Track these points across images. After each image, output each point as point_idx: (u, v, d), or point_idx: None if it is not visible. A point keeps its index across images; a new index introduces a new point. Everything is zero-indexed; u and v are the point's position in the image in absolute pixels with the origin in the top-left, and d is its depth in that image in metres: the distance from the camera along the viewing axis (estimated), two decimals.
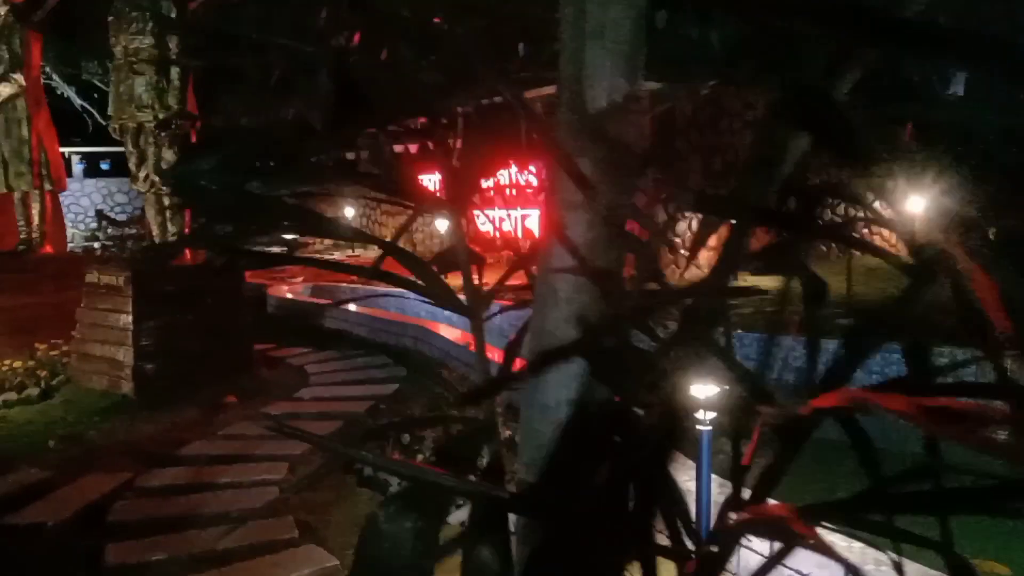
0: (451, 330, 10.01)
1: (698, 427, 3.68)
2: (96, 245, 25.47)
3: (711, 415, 3.66)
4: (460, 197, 1.30)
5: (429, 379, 8.55)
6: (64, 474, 5.96)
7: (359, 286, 15.01)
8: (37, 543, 4.90)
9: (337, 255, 21.78)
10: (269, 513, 5.10)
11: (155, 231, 8.89)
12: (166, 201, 8.74)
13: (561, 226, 0.95)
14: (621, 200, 0.95)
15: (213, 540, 4.63)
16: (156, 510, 5.18)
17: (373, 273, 1.21)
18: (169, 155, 8.55)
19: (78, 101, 27.47)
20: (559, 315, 0.99)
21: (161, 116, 8.39)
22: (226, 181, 1.21)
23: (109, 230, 28.13)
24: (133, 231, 27.61)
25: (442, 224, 15.27)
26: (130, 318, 8.21)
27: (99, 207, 29.65)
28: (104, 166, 29.58)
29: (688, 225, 14.25)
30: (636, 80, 0.96)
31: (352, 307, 12.35)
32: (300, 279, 16.26)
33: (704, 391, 3.64)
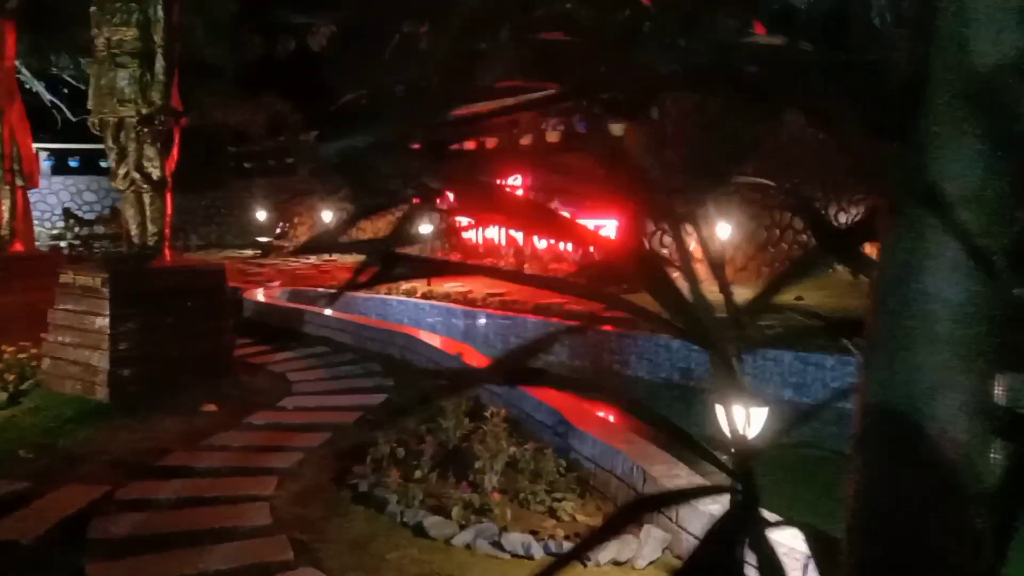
0: (438, 339, 9.79)
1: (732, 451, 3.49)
2: (63, 244, 24.85)
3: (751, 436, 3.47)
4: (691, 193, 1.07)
5: (419, 388, 8.30)
6: (38, 486, 5.61)
7: (337, 291, 14.71)
8: (10, 562, 4.58)
9: (312, 259, 21.43)
10: (261, 532, 4.82)
11: (133, 231, 8.52)
12: (146, 200, 8.39)
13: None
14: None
15: (203, 561, 4.35)
16: (139, 526, 4.87)
17: (610, 303, 0.98)
18: (151, 152, 8.21)
19: (47, 96, 26.79)
20: (936, 356, 0.77)
21: (144, 111, 8.04)
22: (392, 161, 0.98)
23: (77, 229, 27.47)
24: (101, 230, 26.99)
25: (425, 227, 15.02)
26: (107, 321, 7.85)
27: (67, 205, 28.94)
28: (73, 163, 28.90)
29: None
30: None
31: (334, 312, 12.05)
32: (277, 283, 15.91)
33: (742, 409, 3.45)
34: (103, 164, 29.85)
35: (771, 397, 8.72)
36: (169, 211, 8.57)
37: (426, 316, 12.73)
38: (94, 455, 6.43)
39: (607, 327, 10.42)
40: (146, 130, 8.11)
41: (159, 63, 8.06)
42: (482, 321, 11.87)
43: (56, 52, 24.40)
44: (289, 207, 26.23)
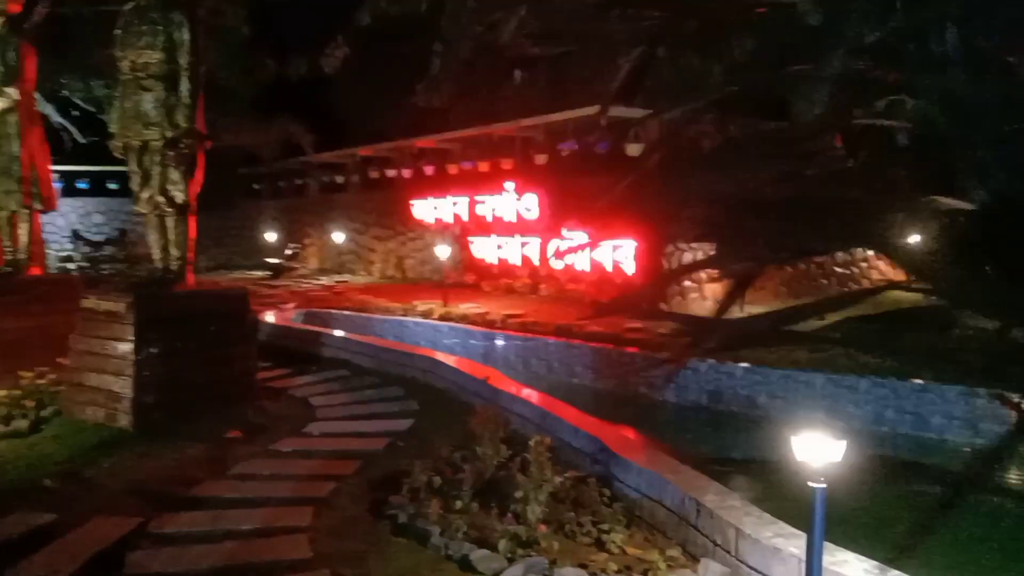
0: (462, 362, 9.65)
1: (810, 484, 3.36)
2: (71, 266, 24.81)
3: (827, 469, 3.34)
4: None
5: (445, 413, 8.17)
6: (65, 517, 5.48)
7: (353, 313, 14.62)
8: None
9: (324, 280, 21.35)
10: (302, 566, 4.67)
11: (156, 255, 8.41)
12: (170, 223, 8.29)
13: None
14: None
15: None
16: (177, 561, 4.73)
17: None
18: (175, 176, 8.12)
19: (56, 118, 26.86)
20: None
21: (169, 135, 7.97)
22: None
23: (85, 250, 27.47)
24: (109, 252, 26.96)
25: (443, 251, 14.95)
26: (131, 347, 7.73)
27: (75, 227, 28.97)
28: (81, 185, 28.95)
29: (694, 256, 14.05)
30: None
31: (351, 335, 11.93)
32: (292, 305, 15.79)
33: (818, 444, 3.33)
34: (111, 186, 30.02)
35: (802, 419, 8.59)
36: (193, 235, 8.48)
37: (444, 338, 12.61)
38: (121, 485, 6.29)
39: (633, 349, 10.31)
40: (171, 153, 8.02)
41: (184, 85, 7.99)
42: (502, 343, 11.73)
43: (65, 74, 24.48)
44: (300, 228, 26.18)
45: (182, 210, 8.28)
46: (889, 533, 5.25)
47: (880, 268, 17.45)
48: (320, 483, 6.18)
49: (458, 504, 5.31)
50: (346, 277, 21.94)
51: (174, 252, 8.38)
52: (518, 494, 5.31)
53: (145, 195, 8.26)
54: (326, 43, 21.92)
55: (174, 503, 5.77)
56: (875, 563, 3.76)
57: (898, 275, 16.85)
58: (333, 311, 14.93)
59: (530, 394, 7.60)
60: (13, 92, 10.20)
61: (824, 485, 3.34)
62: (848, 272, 16.83)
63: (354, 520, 5.50)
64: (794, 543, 4.02)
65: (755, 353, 9.69)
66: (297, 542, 5.04)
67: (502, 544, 4.75)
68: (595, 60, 19.76)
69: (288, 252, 24.86)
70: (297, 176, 26.10)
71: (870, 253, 17.20)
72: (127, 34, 8.04)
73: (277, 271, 22.95)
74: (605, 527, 5.01)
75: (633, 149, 13.57)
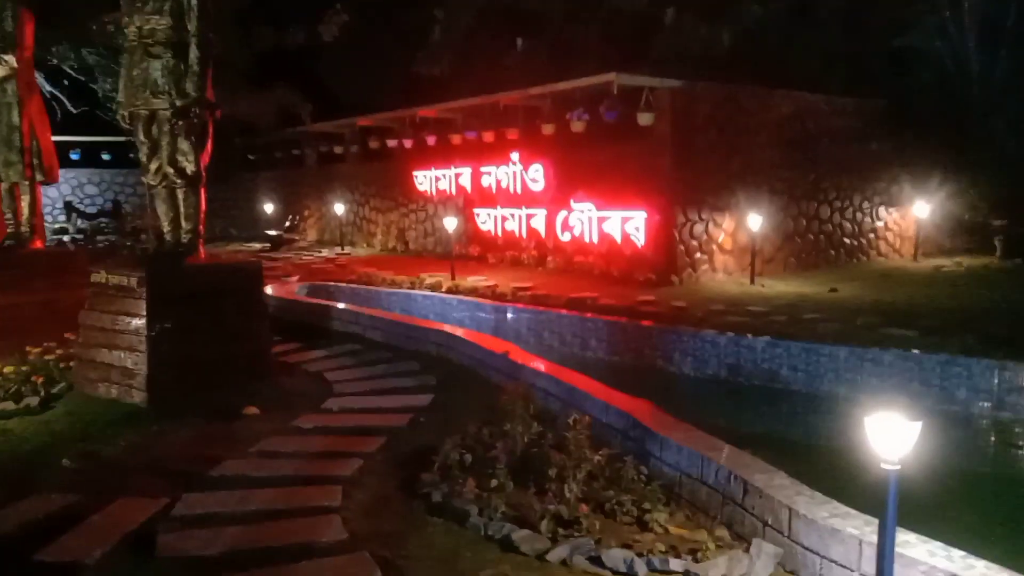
0: (478, 335, 9.51)
1: (884, 467, 3.23)
2: (66, 238, 24.51)
3: (902, 452, 3.21)
4: None
5: (464, 389, 8.05)
6: (90, 498, 5.34)
7: (358, 286, 14.44)
8: None
9: (325, 252, 21.12)
10: (340, 548, 4.56)
11: (166, 228, 8.21)
12: (180, 195, 8.08)
13: None
14: None
15: None
16: (209, 544, 4.60)
17: None
18: (185, 146, 7.90)
19: (47, 88, 26.38)
20: None
21: (178, 103, 7.73)
22: None
23: (79, 222, 27.13)
24: (103, 224, 26.63)
25: (450, 223, 14.74)
26: (143, 322, 7.57)
27: (68, 199, 28.60)
28: (73, 156, 28.52)
29: (705, 228, 13.89)
30: None
31: (362, 308, 11.76)
32: (295, 278, 15.59)
33: (892, 426, 3.20)
34: (104, 157, 29.58)
35: (824, 394, 8.51)
36: (203, 207, 8.28)
37: (453, 311, 12.45)
38: (142, 463, 6.15)
39: (648, 322, 10.17)
40: (181, 123, 7.79)
41: (193, 53, 7.73)
42: (513, 316, 11.59)
43: (56, 43, 23.98)
44: (297, 199, 25.87)
45: (192, 181, 8.06)
46: (940, 509, 5.16)
47: (888, 240, 17.34)
48: (346, 460, 6.04)
49: (493, 483, 5.19)
50: (347, 249, 21.70)
51: (185, 225, 8.18)
52: (551, 472, 5.20)
53: (154, 166, 8.04)
54: (324, 11, 21.47)
55: (198, 482, 5.64)
56: (939, 544, 3.66)
57: (905, 247, 16.81)
58: (339, 284, 14.74)
59: (554, 369, 7.47)
60: (11, 59, 9.94)
61: (898, 467, 3.21)
62: (856, 244, 16.70)
63: (386, 499, 5.37)
64: (851, 523, 3.92)
65: (773, 325, 9.60)
66: (331, 522, 4.91)
67: (544, 524, 4.64)
68: (600, 27, 19.46)
69: (287, 224, 24.57)
70: (294, 146, 25.72)
71: (879, 224, 17.08)
72: None
73: (276, 243, 22.70)
74: (646, 506, 4.90)
75: (644, 118, 13.34)
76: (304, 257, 20.28)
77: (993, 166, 15.31)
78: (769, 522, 4.30)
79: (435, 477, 5.44)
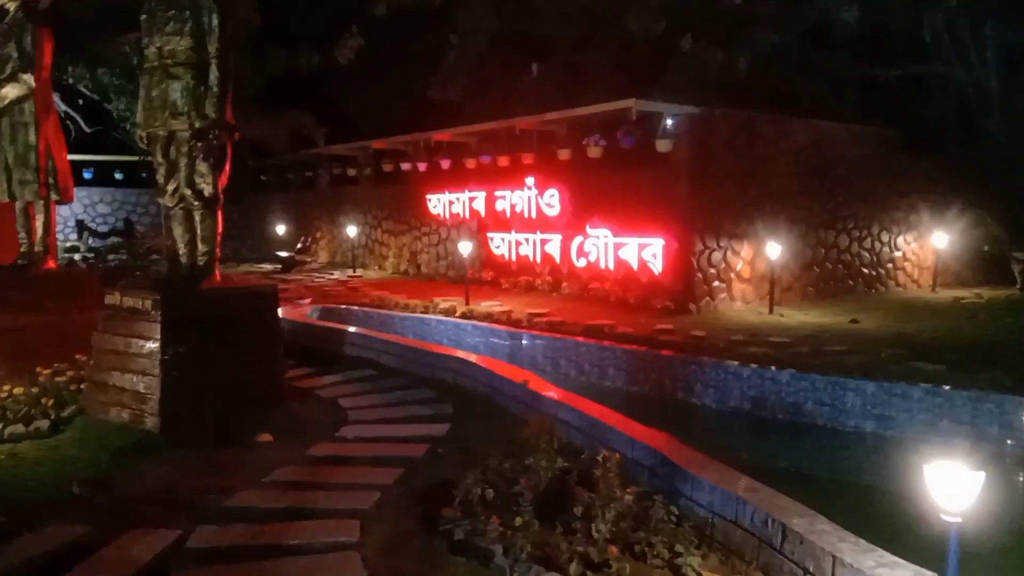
0: (495, 363, 9.34)
1: (944, 519, 3.05)
2: (77, 257, 24.48)
3: (964, 505, 3.03)
4: None
5: (482, 418, 7.88)
6: (101, 529, 5.17)
7: (371, 309, 14.31)
8: None
9: (336, 275, 21.02)
10: None
11: (182, 250, 8.09)
12: (197, 217, 7.98)
13: None
14: None
15: None
16: None
17: None
18: (203, 168, 7.80)
19: (62, 107, 26.51)
20: None
21: (198, 125, 7.64)
22: None
23: (91, 242, 27.15)
24: (115, 243, 26.65)
25: (465, 247, 14.62)
26: (157, 345, 7.42)
27: (80, 217, 28.65)
28: (86, 175, 28.60)
29: (723, 255, 13.73)
30: None
31: (376, 333, 11.61)
32: (308, 300, 15.47)
33: (953, 476, 3.02)
34: (117, 176, 29.66)
35: (853, 430, 8.30)
36: (220, 229, 8.17)
37: (467, 337, 12.29)
38: (153, 493, 5.99)
39: (669, 352, 9.99)
40: (200, 144, 7.70)
41: (213, 74, 7.65)
42: (529, 343, 11.42)
43: (72, 63, 24.11)
44: (309, 221, 25.83)
45: (210, 203, 7.96)
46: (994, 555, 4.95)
47: (906, 270, 17.14)
48: (363, 493, 5.87)
49: (518, 520, 4.99)
50: (359, 272, 21.61)
51: (201, 247, 8.06)
52: (577, 510, 5.02)
53: (171, 187, 7.95)
54: (338, 34, 21.51)
55: (211, 514, 5.47)
56: None
57: (923, 277, 16.58)
58: (351, 307, 14.61)
59: (576, 400, 7.28)
60: (29, 79, 9.87)
61: (960, 519, 3.03)
62: (874, 274, 16.51)
63: (406, 535, 5.19)
64: (899, 574, 3.72)
65: (798, 357, 9.41)
66: (349, 560, 4.73)
67: (572, 567, 4.45)
68: (614, 53, 19.44)
69: (299, 245, 24.50)
70: (307, 168, 25.72)
71: (897, 254, 16.90)
72: (153, 19, 7.71)
73: (287, 265, 22.60)
74: (678, 549, 4.70)
75: (663, 144, 13.23)
76: (316, 279, 20.17)
77: (1013, 197, 15.14)
78: (810, 569, 4.10)
79: (456, 513, 5.25)
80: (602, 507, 4.88)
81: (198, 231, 8.04)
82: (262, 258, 25.53)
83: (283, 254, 23.24)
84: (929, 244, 17.16)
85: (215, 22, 7.61)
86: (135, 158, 27.25)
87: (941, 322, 12.47)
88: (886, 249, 16.69)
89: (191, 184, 7.84)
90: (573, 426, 6.88)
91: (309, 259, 24.27)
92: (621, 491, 5.02)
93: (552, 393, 7.59)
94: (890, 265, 16.82)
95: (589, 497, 5.09)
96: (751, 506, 4.63)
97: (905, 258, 17.07)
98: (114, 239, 27.51)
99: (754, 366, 9.04)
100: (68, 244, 26.18)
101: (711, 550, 4.87)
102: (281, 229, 26.65)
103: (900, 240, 16.95)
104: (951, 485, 3.00)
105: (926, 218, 17.10)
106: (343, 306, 14.77)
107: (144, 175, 29.44)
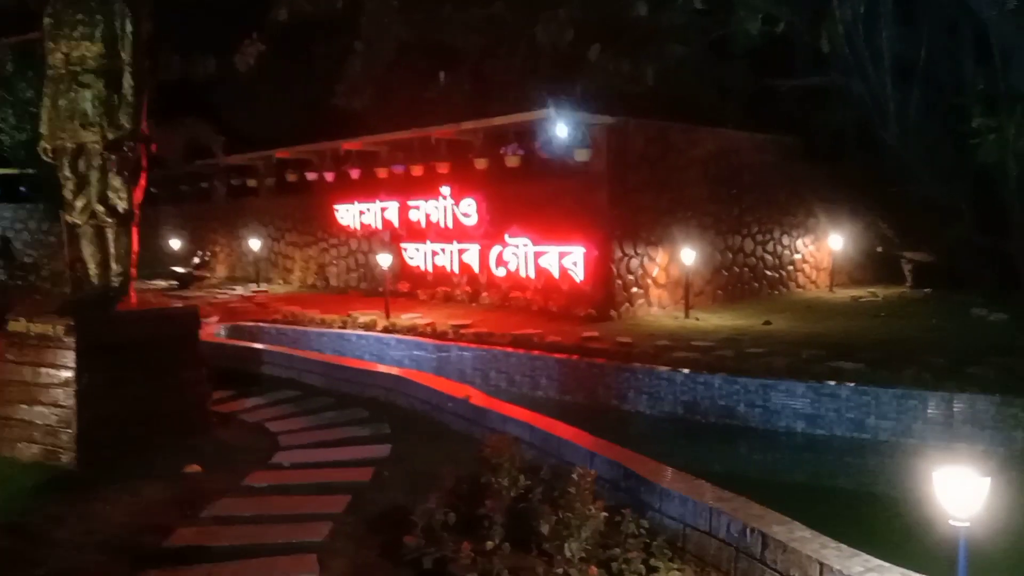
0: (431, 378, 9.12)
1: (952, 523, 3.09)
2: None
3: (971, 510, 3.08)
4: None
5: (423, 437, 7.66)
6: None
7: (285, 326, 13.80)
8: None
9: (239, 290, 20.22)
10: None
11: (93, 271, 7.52)
12: (110, 235, 7.44)
13: None
14: None
15: None
16: None
17: None
18: (117, 182, 7.28)
19: None
20: None
21: (111, 136, 7.12)
22: None
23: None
24: (33, 261, 24.85)
25: (384, 259, 14.30)
26: (71, 374, 6.87)
27: None
28: None
29: (640, 262, 13.93)
30: None
31: (296, 351, 11.17)
32: (215, 319, 14.76)
33: (960, 481, 3.06)
34: (22, 189, 27.60)
35: (783, 430, 8.51)
36: (136, 248, 7.64)
37: (391, 351, 11.99)
38: (79, 537, 5.48)
39: (601, 360, 10.02)
40: (113, 157, 7.18)
41: (127, 82, 7.16)
42: (457, 355, 11.23)
43: None
44: (205, 235, 24.75)
45: (124, 220, 7.44)
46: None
47: (805, 271, 17.88)
48: (313, 524, 5.56)
49: (489, 544, 4.84)
50: (263, 286, 20.84)
51: (115, 267, 7.52)
52: (544, 529, 4.90)
53: (80, 203, 7.38)
54: (235, 41, 20.73)
55: (151, 558, 5.06)
56: None
57: (820, 278, 17.30)
58: (262, 324, 14.03)
59: (525, 414, 7.16)
60: None
61: (968, 524, 3.08)
62: (777, 276, 17.15)
63: (369, 568, 4.94)
64: None
65: (723, 360, 9.59)
66: None
67: None
68: (520, 63, 19.51)
69: (196, 260, 23.41)
70: (202, 180, 24.65)
71: (797, 256, 17.60)
72: (59, 23, 7.15)
73: (185, 281, 21.55)
74: (654, 563, 4.65)
75: (581, 154, 13.32)
76: (219, 296, 19.31)
77: (905, 201, 16.03)
78: None
79: (420, 541, 5.03)
80: (579, 526, 4.77)
81: (111, 250, 7.49)
82: (155, 274, 24.28)
83: (180, 270, 22.15)
84: (826, 246, 17.97)
85: (128, 26, 7.13)
86: (12, 171, 25.49)
87: (849, 321, 13.03)
88: (787, 252, 17.36)
89: (103, 200, 7.31)
90: (524, 441, 6.74)
91: (207, 274, 23.24)
92: (595, 508, 4.92)
93: (498, 408, 7.44)
94: (791, 267, 17.51)
95: (557, 516, 4.97)
96: (726, 516, 4.63)
97: (804, 260, 17.81)
98: (32, 259, 25.56)
99: (686, 371, 9.16)
100: None
101: (685, 563, 4.84)
102: (176, 243, 25.44)
103: (799, 243, 17.68)
104: (958, 491, 3.04)
105: (823, 222, 17.90)
106: (253, 323, 14.18)
107: (22, 189, 27.58)
